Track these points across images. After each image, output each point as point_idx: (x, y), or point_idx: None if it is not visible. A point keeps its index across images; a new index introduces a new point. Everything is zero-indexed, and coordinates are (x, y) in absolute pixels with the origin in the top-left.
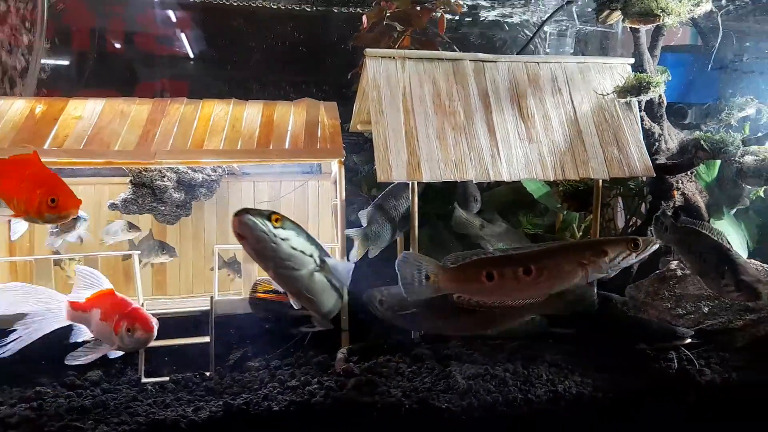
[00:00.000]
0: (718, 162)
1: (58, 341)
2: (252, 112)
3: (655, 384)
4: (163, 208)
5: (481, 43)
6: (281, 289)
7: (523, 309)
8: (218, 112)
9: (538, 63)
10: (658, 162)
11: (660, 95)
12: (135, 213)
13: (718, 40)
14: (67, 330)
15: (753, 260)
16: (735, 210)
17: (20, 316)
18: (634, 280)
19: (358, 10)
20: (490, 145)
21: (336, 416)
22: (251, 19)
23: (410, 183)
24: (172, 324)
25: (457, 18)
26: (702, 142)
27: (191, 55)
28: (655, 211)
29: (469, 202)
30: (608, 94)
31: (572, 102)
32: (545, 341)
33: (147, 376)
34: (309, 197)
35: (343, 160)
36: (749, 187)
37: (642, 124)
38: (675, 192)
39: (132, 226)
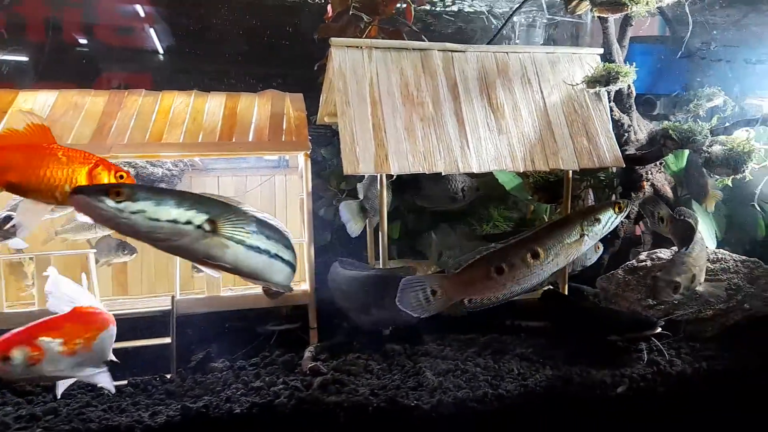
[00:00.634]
0: (686, 152)
1: None
2: (214, 104)
3: (626, 375)
4: None
5: (450, 34)
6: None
7: None
8: (179, 104)
9: (507, 53)
10: (627, 153)
11: (629, 86)
12: None
13: (689, 30)
14: None
15: (721, 250)
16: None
17: None
18: (605, 271)
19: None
20: (460, 137)
21: (300, 417)
22: (215, 9)
23: (378, 175)
24: (132, 325)
25: (426, 7)
26: (670, 131)
27: (154, 47)
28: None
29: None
30: (577, 84)
31: (542, 92)
32: (517, 334)
33: None
34: (276, 192)
35: (309, 153)
36: (716, 177)
37: (611, 115)
38: (644, 183)
39: (127, 246)
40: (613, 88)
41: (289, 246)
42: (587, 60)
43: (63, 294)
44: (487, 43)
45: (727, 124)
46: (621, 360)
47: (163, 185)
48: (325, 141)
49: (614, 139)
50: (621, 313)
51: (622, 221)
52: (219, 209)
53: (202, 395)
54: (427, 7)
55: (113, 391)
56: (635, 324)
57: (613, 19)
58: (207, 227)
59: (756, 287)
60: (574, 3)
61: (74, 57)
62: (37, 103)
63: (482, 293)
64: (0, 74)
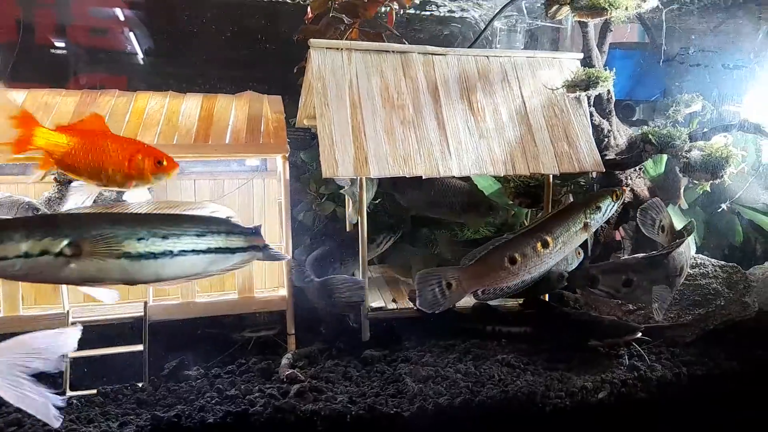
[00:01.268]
0: (665, 157)
1: None
2: (190, 105)
3: (607, 380)
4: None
5: (431, 39)
6: None
7: None
8: (153, 105)
9: (487, 57)
10: (607, 158)
11: (608, 91)
12: None
13: (663, 35)
14: None
15: (701, 255)
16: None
17: None
18: None
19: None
20: (440, 140)
21: (276, 426)
22: (193, 10)
23: (359, 178)
24: (102, 332)
25: (406, 12)
26: (650, 136)
27: (129, 49)
28: None
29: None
30: (558, 88)
31: (522, 96)
32: (498, 340)
33: (72, 389)
34: (254, 196)
35: (288, 156)
36: (686, 181)
37: (591, 120)
38: (624, 188)
39: None
40: (593, 92)
41: (221, 230)
42: (567, 65)
43: None
44: (468, 47)
45: (705, 130)
46: (602, 365)
47: None
48: (304, 144)
49: (594, 144)
50: (601, 318)
51: (602, 226)
52: (82, 228)
53: (174, 404)
54: (411, 10)
55: None
56: (616, 329)
57: (593, 24)
58: (69, 252)
59: (734, 292)
60: (554, 8)
61: (46, 58)
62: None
63: (496, 283)
64: None
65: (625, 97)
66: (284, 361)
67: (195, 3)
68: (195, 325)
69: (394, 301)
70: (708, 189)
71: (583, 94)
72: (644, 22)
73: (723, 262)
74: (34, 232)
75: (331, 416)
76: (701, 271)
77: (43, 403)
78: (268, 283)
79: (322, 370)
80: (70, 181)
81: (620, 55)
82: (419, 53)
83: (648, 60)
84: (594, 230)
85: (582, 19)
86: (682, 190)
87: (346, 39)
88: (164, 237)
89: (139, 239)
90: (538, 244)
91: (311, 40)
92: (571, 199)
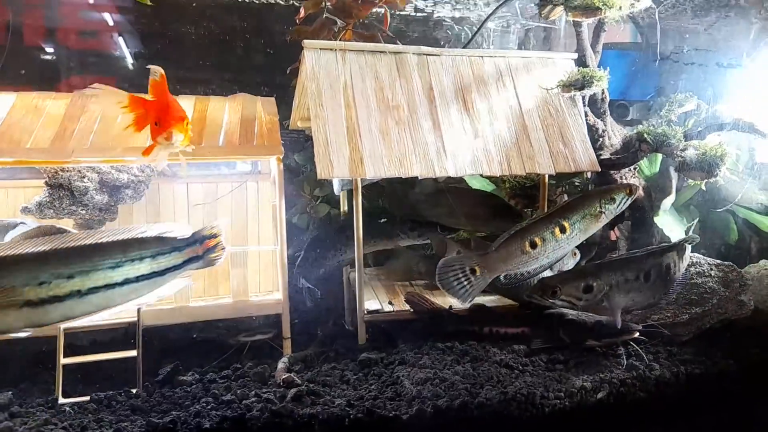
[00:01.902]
0: (660, 157)
1: None
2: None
3: (606, 380)
4: (83, 211)
5: (425, 40)
6: None
7: None
8: None
9: (482, 57)
10: (602, 157)
11: (603, 91)
12: (52, 218)
13: (657, 35)
14: None
15: (696, 254)
16: (670, 204)
17: None
18: None
19: (298, 2)
20: (435, 140)
21: (274, 431)
22: (184, 11)
23: (353, 179)
24: (95, 338)
25: (400, 13)
26: (645, 135)
27: (119, 51)
28: None
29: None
30: (552, 88)
31: (517, 96)
32: (495, 342)
33: (65, 396)
34: (248, 199)
35: (282, 157)
36: (677, 180)
37: (586, 120)
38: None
39: None
40: (588, 92)
41: (145, 255)
42: (561, 65)
43: None
44: (463, 47)
45: (700, 128)
46: (600, 365)
47: (129, 191)
48: (298, 146)
49: (589, 144)
50: (599, 318)
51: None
52: None
53: (169, 410)
54: (407, 11)
55: None
56: (613, 329)
57: (587, 24)
58: None
59: (730, 290)
60: (547, 9)
61: (35, 60)
62: None
63: (518, 267)
64: None
65: (620, 97)
66: (280, 365)
67: (185, 4)
68: (190, 330)
69: (390, 303)
70: (703, 188)
71: (578, 93)
72: (637, 22)
73: (719, 261)
74: None
75: (329, 420)
76: (697, 269)
77: None
78: (263, 286)
79: (319, 373)
80: (60, 185)
81: (614, 54)
82: (414, 54)
83: (642, 60)
84: (606, 221)
85: (576, 19)
86: (674, 190)
87: (340, 40)
88: (69, 277)
89: (41, 284)
90: (557, 229)
91: (305, 41)
92: (566, 198)
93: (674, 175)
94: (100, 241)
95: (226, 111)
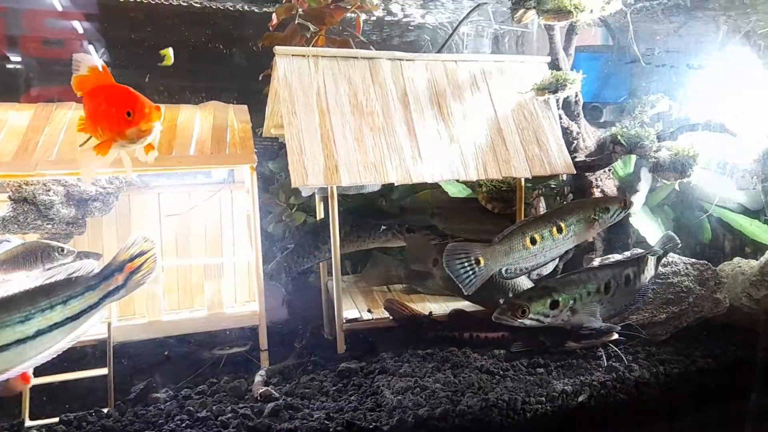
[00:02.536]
0: (634, 158)
1: None
2: None
3: (587, 383)
4: (50, 226)
5: (399, 45)
6: None
7: None
8: None
9: (456, 62)
10: (577, 160)
11: (576, 93)
12: (17, 233)
13: (629, 37)
14: None
15: (671, 253)
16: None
17: None
18: None
19: (270, 9)
20: (411, 146)
21: None
22: (153, 19)
23: (329, 187)
24: (64, 356)
25: (373, 18)
26: (619, 137)
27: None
28: None
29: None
30: (527, 92)
31: (492, 101)
32: (475, 347)
33: (32, 418)
34: (222, 208)
35: (255, 166)
36: (646, 180)
37: (560, 123)
38: (594, 189)
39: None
40: (562, 95)
41: (56, 303)
42: (534, 68)
43: None
44: (437, 52)
45: (672, 129)
46: (581, 368)
47: (97, 204)
48: (272, 154)
49: (564, 147)
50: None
51: None
52: None
53: (143, 429)
54: (381, 14)
55: None
56: (592, 331)
57: (559, 27)
58: None
59: (706, 289)
60: (520, 12)
61: None
62: None
63: (518, 262)
64: None
65: (593, 99)
66: (257, 378)
67: (154, 12)
68: (163, 345)
69: (369, 311)
70: (677, 188)
71: (552, 96)
72: (608, 25)
73: (694, 260)
74: None
75: None
76: (673, 269)
77: None
78: (239, 297)
79: (298, 385)
80: (25, 199)
81: (586, 57)
82: (387, 59)
83: (614, 62)
84: (598, 230)
85: (548, 23)
86: (645, 190)
87: (313, 46)
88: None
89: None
90: (554, 229)
91: (277, 47)
92: (543, 202)
93: (647, 176)
94: (6, 294)
95: (197, 119)
